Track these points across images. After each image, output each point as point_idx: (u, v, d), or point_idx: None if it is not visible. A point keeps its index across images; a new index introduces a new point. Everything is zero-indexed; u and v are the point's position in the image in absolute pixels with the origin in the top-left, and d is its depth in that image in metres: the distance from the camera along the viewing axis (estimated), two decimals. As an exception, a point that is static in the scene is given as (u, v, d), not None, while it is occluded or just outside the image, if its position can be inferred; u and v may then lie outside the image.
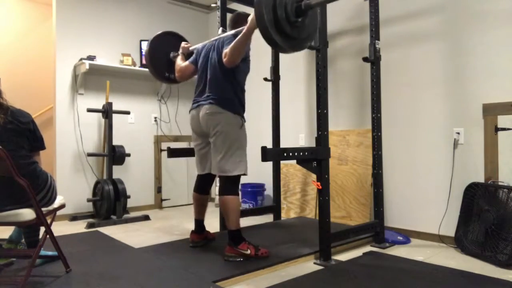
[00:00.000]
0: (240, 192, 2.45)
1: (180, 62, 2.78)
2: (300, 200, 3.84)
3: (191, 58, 2.73)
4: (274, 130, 3.61)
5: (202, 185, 2.72)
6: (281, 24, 1.90)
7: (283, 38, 1.94)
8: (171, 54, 2.96)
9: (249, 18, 2.26)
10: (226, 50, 2.34)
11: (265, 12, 1.85)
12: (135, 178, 4.41)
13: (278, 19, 1.89)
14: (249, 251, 2.36)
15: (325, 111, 2.46)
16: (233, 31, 2.48)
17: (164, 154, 4.46)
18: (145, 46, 4.40)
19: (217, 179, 2.71)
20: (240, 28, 2.35)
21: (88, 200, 3.89)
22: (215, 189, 4.54)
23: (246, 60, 2.53)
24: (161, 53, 2.95)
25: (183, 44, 2.87)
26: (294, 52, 2.11)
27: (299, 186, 3.87)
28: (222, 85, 2.47)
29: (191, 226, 2.83)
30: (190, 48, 2.83)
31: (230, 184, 2.44)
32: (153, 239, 3.06)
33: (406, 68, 3.10)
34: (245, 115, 2.58)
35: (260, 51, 4.38)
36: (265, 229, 3.23)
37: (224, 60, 2.35)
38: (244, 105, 2.59)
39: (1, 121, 2.03)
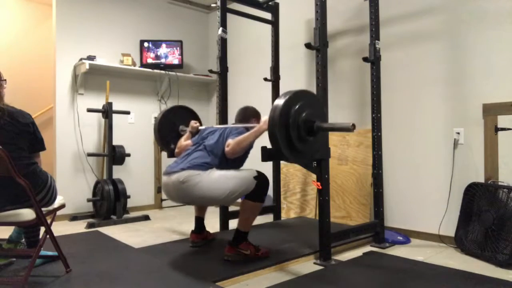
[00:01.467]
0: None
1: (183, 140, 2.76)
2: (300, 200, 3.84)
3: (194, 138, 2.70)
4: (274, 130, 3.61)
5: None
6: (291, 136, 2.01)
7: (290, 149, 2.04)
8: (180, 127, 3.02)
9: (262, 119, 2.32)
10: (231, 140, 2.34)
11: (279, 119, 1.96)
12: (135, 178, 4.41)
13: (289, 130, 2.00)
14: (249, 251, 2.36)
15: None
16: (244, 125, 2.51)
17: (164, 154, 4.45)
18: (145, 45, 4.43)
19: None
20: (252, 125, 2.40)
21: (88, 200, 3.89)
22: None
23: (245, 155, 2.51)
24: (171, 123, 3.03)
25: (192, 123, 2.85)
26: (296, 163, 2.23)
27: (299, 186, 3.87)
28: (204, 156, 2.38)
29: (191, 226, 2.83)
30: (199, 128, 2.81)
31: (258, 191, 2.34)
32: (153, 239, 3.06)
33: (406, 68, 3.10)
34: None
35: (260, 51, 4.39)
36: (265, 229, 3.23)
37: (226, 149, 2.34)
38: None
39: (1, 122, 2.03)
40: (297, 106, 2.04)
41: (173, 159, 2.64)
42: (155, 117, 4.53)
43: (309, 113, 2.07)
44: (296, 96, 2.06)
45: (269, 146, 2.15)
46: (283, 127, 1.99)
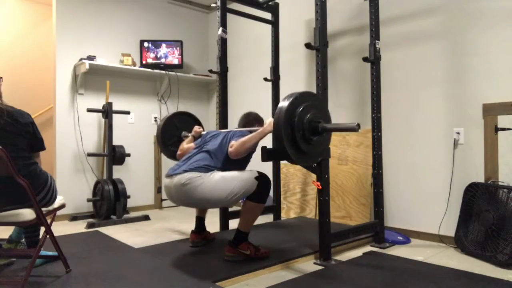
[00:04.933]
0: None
1: (185, 143, 2.77)
2: (300, 200, 3.84)
3: (196, 141, 2.69)
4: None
5: None
6: (296, 137, 2.03)
7: (295, 150, 2.06)
8: (183, 133, 3.04)
9: (268, 121, 2.33)
10: (234, 141, 2.35)
11: (284, 121, 1.98)
12: (135, 178, 4.41)
13: (294, 132, 2.02)
14: (249, 251, 2.36)
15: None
16: (247, 128, 2.52)
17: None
18: (145, 45, 4.43)
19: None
20: (255, 128, 2.41)
21: (88, 200, 3.89)
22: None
23: (246, 159, 2.50)
24: (174, 128, 3.07)
25: (195, 128, 2.86)
26: (301, 165, 2.23)
27: (299, 186, 3.87)
28: (207, 158, 2.37)
29: (191, 226, 2.83)
30: (202, 133, 2.80)
31: (260, 192, 2.34)
32: (153, 239, 3.06)
33: (406, 68, 3.10)
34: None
35: (260, 51, 4.39)
36: (265, 229, 3.23)
37: (229, 149, 2.35)
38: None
39: (1, 122, 2.03)
40: (301, 108, 2.06)
41: (174, 162, 2.64)
42: (156, 117, 4.58)
43: (314, 114, 2.09)
44: (301, 98, 2.08)
45: (269, 146, 2.15)
46: (288, 128, 2.01)
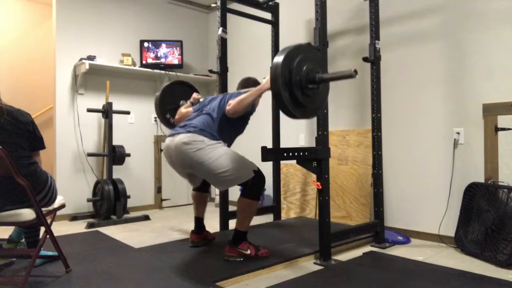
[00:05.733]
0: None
1: (183, 108, 2.76)
2: (300, 200, 3.84)
3: (195, 106, 2.71)
4: (274, 130, 3.61)
5: (202, 183, 2.71)
6: (294, 91, 1.97)
7: (295, 104, 2.01)
8: (181, 102, 3.01)
9: (264, 79, 2.31)
10: (232, 100, 2.36)
11: (280, 76, 1.91)
12: (135, 178, 4.41)
13: (292, 86, 1.96)
14: (249, 251, 2.36)
15: (325, 111, 2.46)
16: (245, 89, 2.50)
17: (164, 154, 4.46)
18: (145, 45, 4.43)
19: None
20: (253, 88, 2.39)
21: (88, 200, 3.89)
22: (215, 189, 4.54)
23: (244, 119, 2.51)
24: (172, 97, 3.02)
25: (194, 94, 2.86)
26: (301, 118, 2.17)
27: (299, 186, 3.87)
28: (209, 122, 2.40)
29: (191, 226, 2.83)
30: (200, 100, 2.80)
31: (254, 187, 2.35)
32: (153, 239, 3.06)
33: (406, 68, 3.10)
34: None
35: (260, 51, 4.39)
36: (265, 229, 3.23)
37: (227, 107, 2.35)
38: (229, 143, 2.50)
39: (1, 121, 2.03)
40: (297, 60, 1.98)
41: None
42: (156, 118, 4.57)
43: (310, 65, 2.02)
44: (296, 51, 2.00)
45: (269, 146, 2.15)
46: (286, 83, 1.94)
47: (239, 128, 2.55)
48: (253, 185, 2.33)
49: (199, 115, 2.48)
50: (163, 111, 2.99)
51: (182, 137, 2.30)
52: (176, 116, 2.76)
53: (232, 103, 2.34)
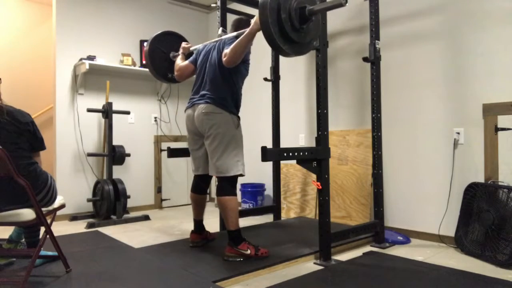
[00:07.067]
0: (240, 192, 2.43)
1: (179, 62, 2.75)
2: (300, 200, 3.84)
3: (191, 58, 2.72)
4: (274, 130, 3.61)
5: (200, 185, 2.71)
6: (285, 28, 1.92)
7: (287, 42, 1.96)
8: (171, 54, 2.95)
9: (253, 21, 2.26)
10: (227, 50, 2.32)
11: (269, 14, 1.86)
12: (135, 178, 4.41)
13: (282, 22, 1.91)
14: (249, 251, 2.36)
15: (325, 111, 2.46)
16: (235, 33, 2.46)
17: (164, 154, 4.46)
18: (145, 45, 4.43)
19: (215, 179, 2.71)
20: (243, 30, 2.34)
21: (88, 200, 3.89)
22: (215, 189, 4.54)
23: (245, 63, 2.51)
24: (161, 53, 2.94)
25: (183, 44, 2.85)
26: (296, 55, 2.13)
27: (299, 186, 3.87)
28: (219, 85, 2.46)
29: (191, 226, 2.83)
30: (191, 48, 2.82)
31: (228, 184, 2.42)
32: (153, 239, 3.06)
33: (406, 68, 3.10)
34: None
35: (260, 51, 4.38)
36: (265, 229, 3.23)
37: (224, 59, 2.33)
38: (239, 106, 2.57)
39: (2, 121, 2.03)
40: None
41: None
42: (156, 117, 4.57)
43: None
44: None
45: (269, 146, 2.15)
46: (275, 21, 1.89)
47: (243, 72, 2.54)
48: (229, 181, 2.42)
49: (206, 79, 2.50)
50: (159, 73, 2.91)
51: (202, 107, 2.44)
52: (176, 72, 2.74)
53: (227, 53, 2.30)
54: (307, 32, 2.07)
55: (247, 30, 2.27)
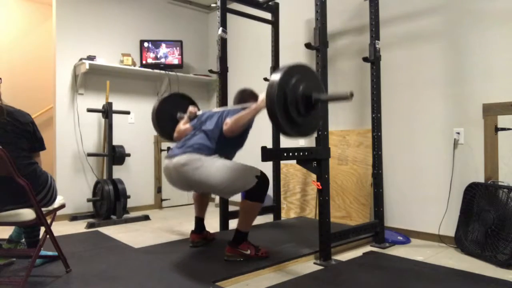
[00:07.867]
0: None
1: (181, 124, 2.73)
2: (300, 200, 3.84)
3: (193, 121, 2.68)
4: (274, 130, 3.61)
5: None
6: (290, 111, 1.96)
7: (290, 124, 1.99)
8: (178, 115, 2.95)
9: (260, 98, 2.28)
10: (229, 120, 2.34)
11: (276, 95, 1.89)
12: (135, 178, 4.41)
13: (288, 105, 1.95)
14: (249, 251, 2.36)
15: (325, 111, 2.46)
16: (241, 106, 2.47)
17: (164, 154, 4.46)
18: (145, 45, 4.43)
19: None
20: (249, 104, 2.37)
21: (88, 200, 3.89)
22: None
23: (245, 133, 2.50)
24: (169, 110, 2.95)
25: (190, 108, 2.81)
26: (298, 138, 2.16)
27: (299, 186, 3.87)
28: (205, 140, 2.39)
29: (191, 226, 2.83)
30: (197, 113, 2.78)
31: (257, 191, 2.34)
32: (153, 239, 3.06)
33: (406, 68, 3.10)
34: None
35: (260, 51, 4.39)
36: (265, 229, 3.23)
37: (224, 128, 2.34)
38: (231, 157, 2.51)
39: (1, 122, 2.03)
40: (293, 81, 1.97)
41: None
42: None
43: (306, 86, 2.01)
44: (292, 70, 1.99)
45: (269, 146, 2.15)
46: (282, 103, 1.93)
47: (239, 143, 2.54)
48: (257, 188, 2.32)
49: (196, 134, 2.46)
50: (164, 132, 2.93)
51: (179, 159, 2.31)
52: (175, 134, 2.72)
53: (229, 122, 2.32)
54: (311, 118, 2.11)
55: (253, 105, 2.30)
